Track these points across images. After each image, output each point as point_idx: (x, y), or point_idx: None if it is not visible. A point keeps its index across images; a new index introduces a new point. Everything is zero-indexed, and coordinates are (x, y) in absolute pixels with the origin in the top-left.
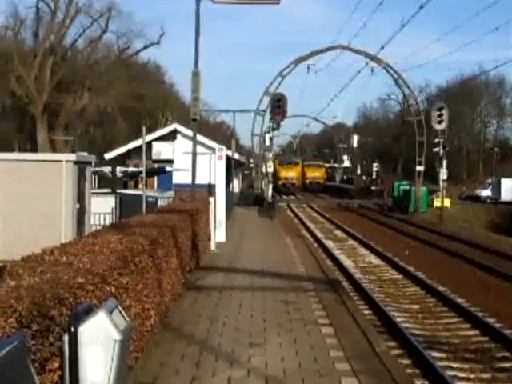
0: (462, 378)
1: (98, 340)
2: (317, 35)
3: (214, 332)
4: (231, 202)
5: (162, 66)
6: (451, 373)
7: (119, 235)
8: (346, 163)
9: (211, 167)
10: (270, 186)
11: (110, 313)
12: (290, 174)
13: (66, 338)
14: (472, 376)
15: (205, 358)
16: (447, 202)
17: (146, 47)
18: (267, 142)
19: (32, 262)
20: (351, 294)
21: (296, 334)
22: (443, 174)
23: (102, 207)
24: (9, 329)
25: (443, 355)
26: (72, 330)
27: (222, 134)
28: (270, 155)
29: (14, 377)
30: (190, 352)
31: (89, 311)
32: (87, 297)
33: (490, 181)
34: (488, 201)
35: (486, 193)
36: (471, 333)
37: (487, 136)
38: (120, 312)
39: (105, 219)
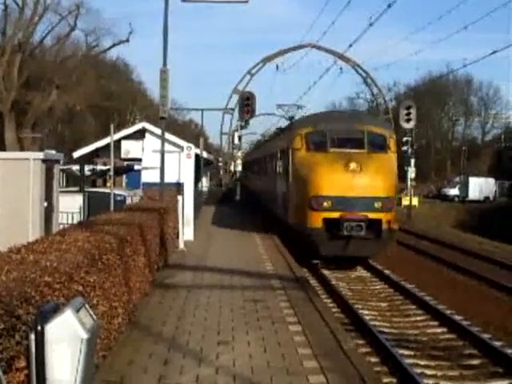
0: (430, 376)
1: (65, 338)
2: (285, 34)
3: (182, 330)
4: (200, 200)
5: (131, 63)
6: (419, 370)
7: (87, 233)
8: None
9: (180, 166)
10: (239, 185)
11: (77, 311)
12: None
13: (32, 336)
14: (439, 373)
15: (173, 355)
16: (415, 201)
17: (114, 45)
18: (236, 141)
19: None
20: (319, 291)
21: (264, 332)
22: (411, 172)
23: (70, 206)
24: None
25: (411, 353)
26: (38, 328)
27: (191, 133)
28: (239, 154)
29: None
30: (158, 350)
31: (55, 310)
32: (54, 295)
33: (457, 179)
34: (456, 199)
35: (454, 191)
36: (439, 330)
37: (455, 135)
38: (87, 310)
39: (73, 218)
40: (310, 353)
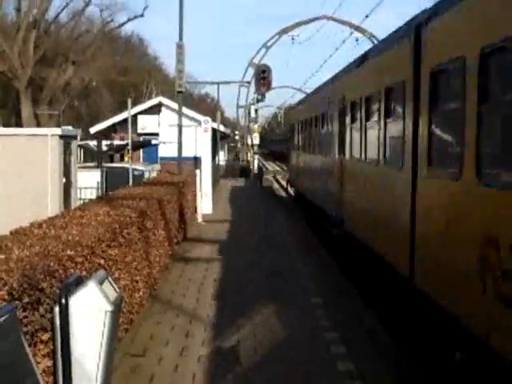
0: None
1: (89, 311)
2: (301, 7)
3: (203, 303)
4: (217, 174)
5: (146, 38)
6: None
7: (107, 208)
8: None
9: (197, 140)
10: (256, 158)
11: (101, 284)
12: None
13: (56, 309)
14: None
15: (194, 328)
16: None
17: (129, 20)
18: (252, 114)
19: (20, 235)
20: None
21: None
22: None
23: (88, 181)
24: (0, 301)
25: None
26: (63, 301)
27: (207, 106)
28: (256, 126)
29: (6, 349)
30: (180, 323)
31: (79, 283)
32: (77, 269)
33: None
34: None
35: None
36: None
37: None
38: (110, 283)
39: (91, 193)
40: None
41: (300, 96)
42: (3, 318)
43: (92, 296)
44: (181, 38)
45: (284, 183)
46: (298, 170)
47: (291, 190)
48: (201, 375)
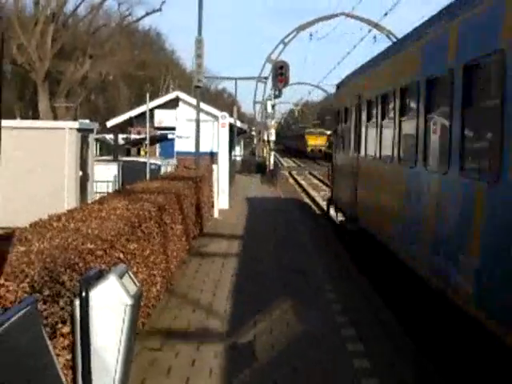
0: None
1: (109, 304)
2: (320, 2)
3: (219, 297)
4: (233, 169)
5: (163, 33)
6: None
7: (125, 201)
8: None
9: (213, 135)
10: (272, 154)
11: (121, 278)
12: (318, 141)
13: (77, 302)
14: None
15: (210, 322)
16: None
17: (147, 14)
18: (269, 110)
19: (40, 227)
20: None
21: (302, 300)
22: None
23: (105, 175)
24: (21, 293)
25: None
26: (83, 294)
27: (224, 102)
28: (273, 122)
29: (27, 341)
30: (196, 317)
31: (99, 276)
32: (97, 262)
33: None
34: None
35: None
36: None
37: None
38: (130, 277)
39: (108, 186)
40: None
41: (318, 93)
42: (24, 311)
43: (112, 289)
44: (200, 33)
45: (300, 179)
46: (356, 186)
47: (334, 215)
48: (217, 370)
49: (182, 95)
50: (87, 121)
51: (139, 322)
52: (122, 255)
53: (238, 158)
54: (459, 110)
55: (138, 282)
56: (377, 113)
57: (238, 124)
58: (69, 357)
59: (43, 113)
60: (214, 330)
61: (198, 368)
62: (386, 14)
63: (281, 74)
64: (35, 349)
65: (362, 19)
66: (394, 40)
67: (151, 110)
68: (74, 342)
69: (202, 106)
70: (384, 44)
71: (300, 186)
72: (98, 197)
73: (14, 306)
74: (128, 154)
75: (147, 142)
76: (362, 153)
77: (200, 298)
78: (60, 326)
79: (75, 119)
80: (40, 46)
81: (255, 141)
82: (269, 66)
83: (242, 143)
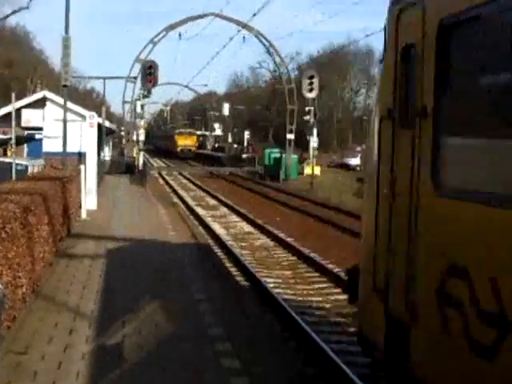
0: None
1: None
2: (189, 2)
3: (87, 299)
4: (102, 170)
5: (31, 31)
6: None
7: None
8: (218, 131)
9: (81, 135)
10: (141, 154)
11: None
12: (188, 142)
13: None
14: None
15: (78, 325)
16: (317, 170)
17: (14, 12)
18: (138, 110)
19: None
20: (224, 260)
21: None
22: (314, 141)
23: None
24: None
25: (315, 320)
26: None
27: (92, 102)
28: (142, 123)
29: None
30: (63, 320)
31: None
32: None
33: (359, 149)
34: (358, 168)
35: (355, 161)
36: (342, 297)
37: (357, 105)
38: None
39: None
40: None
41: (188, 94)
42: None
43: None
44: (67, 32)
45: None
46: None
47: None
48: (85, 372)
49: (50, 95)
50: None
51: (4, 325)
52: None
53: (107, 158)
54: None
55: (2, 284)
56: None
57: (107, 124)
58: None
59: None
60: (81, 332)
61: (65, 371)
62: (254, 15)
63: (149, 73)
64: None
65: (231, 19)
66: (263, 40)
67: (18, 110)
68: None
69: (70, 105)
70: (254, 44)
71: (170, 186)
72: None
73: None
74: None
75: (13, 142)
76: None
77: (68, 300)
78: None
79: None
80: None
81: (124, 141)
82: (138, 66)
83: (111, 143)
